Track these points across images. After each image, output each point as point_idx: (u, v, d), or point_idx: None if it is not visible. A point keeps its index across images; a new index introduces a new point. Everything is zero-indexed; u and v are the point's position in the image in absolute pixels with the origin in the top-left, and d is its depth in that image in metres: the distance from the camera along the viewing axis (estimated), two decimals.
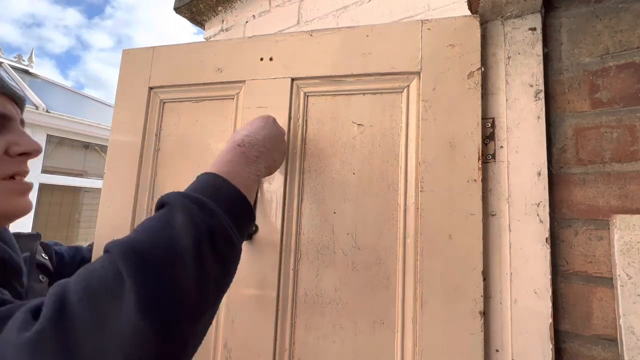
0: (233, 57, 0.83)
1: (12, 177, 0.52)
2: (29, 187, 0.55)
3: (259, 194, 0.76)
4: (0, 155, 0.50)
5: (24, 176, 0.54)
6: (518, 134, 0.65)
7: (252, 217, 0.47)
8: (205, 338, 0.76)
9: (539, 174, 0.63)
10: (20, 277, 0.57)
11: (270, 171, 0.61)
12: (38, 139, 3.83)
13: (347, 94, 0.75)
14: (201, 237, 0.37)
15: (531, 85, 0.65)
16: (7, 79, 0.54)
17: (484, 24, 0.70)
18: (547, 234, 0.61)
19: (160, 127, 0.87)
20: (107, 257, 0.35)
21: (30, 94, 4.04)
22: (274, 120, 0.66)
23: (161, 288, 0.33)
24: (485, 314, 0.62)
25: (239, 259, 0.43)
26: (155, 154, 0.86)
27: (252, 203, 0.47)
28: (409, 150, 0.70)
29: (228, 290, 0.74)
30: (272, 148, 0.59)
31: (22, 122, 0.56)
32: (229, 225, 0.40)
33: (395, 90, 0.72)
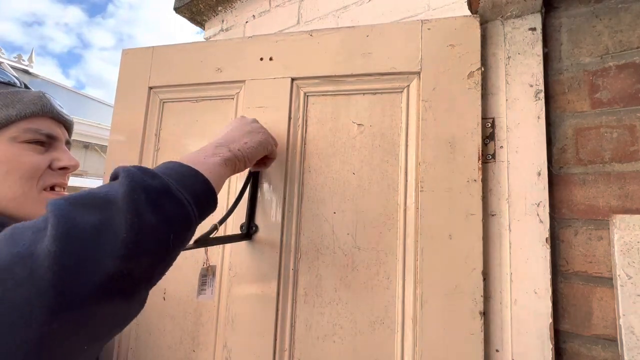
0: (233, 57, 0.83)
1: (52, 188, 0.61)
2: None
3: (259, 194, 0.76)
4: (45, 169, 0.59)
5: (63, 187, 0.63)
6: (518, 134, 0.65)
7: (205, 182, 0.48)
8: (205, 338, 0.77)
9: (539, 174, 0.63)
10: None
11: (241, 153, 0.59)
12: None
13: (347, 94, 0.75)
14: (135, 188, 0.38)
15: (531, 85, 0.65)
16: (56, 104, 0.64)
17: (484, 24, 0.70)
18: (547, 234, 0.61)
19: (160, 127, 0.87)
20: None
21: None
22: (243, 116, 0.68)
23: (81, 225, 0.34)
24: (485, 314, 0.62)
25: (191, 222, 0.44)
26: (155, 154, 0.86)
27: (208, 177, 0.48)
28: (408, 150, 0.69)
29: (228, 290, 0.74)
30: (236, 134, 0.61)
31: (68, 143, 0.67)
32: (175, 188, 0.42)
33: (395, 90, 0.72)
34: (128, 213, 0.36)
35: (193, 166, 0.47)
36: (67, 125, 0.67)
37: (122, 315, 0.40)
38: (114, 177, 0.42)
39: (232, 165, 0.56)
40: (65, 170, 0.63)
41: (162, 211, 0.39)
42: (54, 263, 0.32)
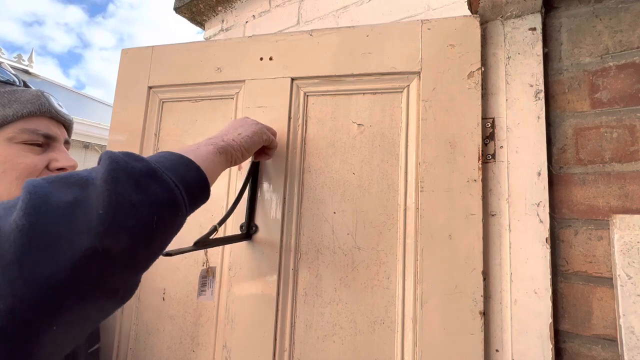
0: (233, 57, 0.83)
1: None
2: None
3: (258, 194, 0.76)
4: (42, 170, 0.59)
5: None
6: (518, 134, 0.65)
7: (197, 170, 0.47)
8: (205, 338, 0.76)
9: (539, 174, 0.63)
10: None
11: (235, 142, 0.59)
12: None
13: (347, 94, 0.75)
14: (116, 169, 0.38)
15: (531, 85, 0.65)
16: (54, 103, 0.63)
17: (484, 24, 0.70)
18: (547, 234, 0.61)
19: (160, 127, 0.87)
20: None
21: None
22: (236, 118, 0.69)
23: (54, 201, 0.33)
24: (485, 314, 0.62)
25: (179, 206, 0.42)
26: None
27: (200, 165, 0.47)
28: (408, 150, 0.69)
29: (228, 290, 0.74)
30: (229, 129, 0.62)
31: (67, 142, 0.66)
32: (162, 171, 0.41)
33: (395, 90, 0.72)
34: (106, 191, 0.35)
35: (185, 154, 0.47)
36: (66, 125, 0.67)
37: (104, 300, 0.37)
38: (100, 162, 0.41)
39: (228, 154, 0.56)
40: (62, 171, 0.62)
41: (146, 191, 0.38)
42: (20, 237, 0.31)
